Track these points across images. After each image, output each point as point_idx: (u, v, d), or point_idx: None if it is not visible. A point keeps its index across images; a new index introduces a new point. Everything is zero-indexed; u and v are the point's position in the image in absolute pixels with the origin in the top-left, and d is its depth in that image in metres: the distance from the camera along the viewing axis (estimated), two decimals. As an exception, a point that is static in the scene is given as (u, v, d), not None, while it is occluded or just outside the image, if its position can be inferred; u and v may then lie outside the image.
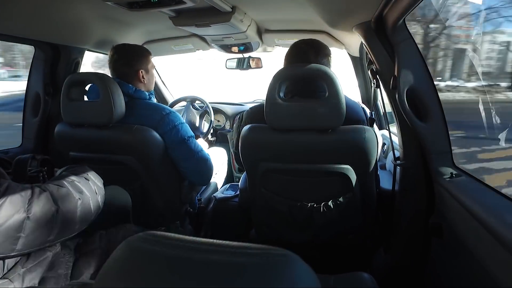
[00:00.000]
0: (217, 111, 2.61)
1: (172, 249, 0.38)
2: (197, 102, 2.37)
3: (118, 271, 0.38)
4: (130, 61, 1.47)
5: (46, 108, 1.77)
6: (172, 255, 0.37)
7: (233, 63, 2.50)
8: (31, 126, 1.79)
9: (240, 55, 2.41)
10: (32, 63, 1.75)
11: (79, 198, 0.98)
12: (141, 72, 1.49)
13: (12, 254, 0.85)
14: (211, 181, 1.83)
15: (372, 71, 1.27)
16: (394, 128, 1.34)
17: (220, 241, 0.38)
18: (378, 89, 1.28)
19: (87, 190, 1.03)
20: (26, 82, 1.79)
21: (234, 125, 1.42)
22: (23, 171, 1.08)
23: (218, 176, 2.10)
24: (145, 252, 0.38)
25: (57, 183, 0.98)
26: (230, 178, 2.55)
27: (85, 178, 1.08)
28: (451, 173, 1.06)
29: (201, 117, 2.33)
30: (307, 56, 1.25)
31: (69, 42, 1.71)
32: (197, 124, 2.25)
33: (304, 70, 1.13)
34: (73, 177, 1.05)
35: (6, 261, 0.87)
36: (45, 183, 0.99)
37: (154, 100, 1.53)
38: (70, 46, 1.74)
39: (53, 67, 1.76)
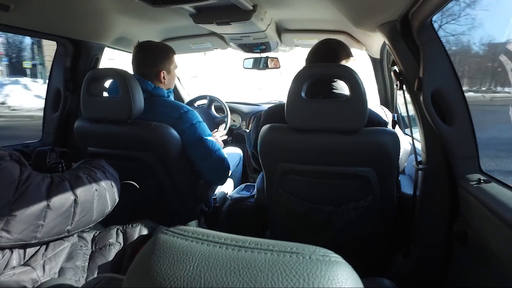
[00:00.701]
0: (232, 111, 2.61)
1: (208, 245, 0.36)
2: (213, 101, 2.37)
3: (149, 264, 0.36)
4: (153, 61, 1.47)
5: (66, 103, 1.80)
6: (208, 251, 0.35)
7: (250, 63, 2.49)
8: (51, 121, 1.82)
9: (257, 55, 2.40)
10: (54, 58, 1.78)
11: (96, 189, 1.01)
12: (163, 73, 1.49)
13: (33, 242, 0.88)
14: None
15: (395, 72, 1.23)
16: (416, 131, 1.30)
17: (257, 239, 0.36)
18: (401, 91, 1.24)
19: (104, 182, 1.06)
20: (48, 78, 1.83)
21: (252, 125, 1.40)
22: (42, 162, 1.10)
23: (233, 176, 2.10)
24: (179, 247, 0.36)
25: (75, 173, 1.00)
26: (245, 178, 2.54)
27: (102, 171, 1.10)
28: (479, 179, 1.02)
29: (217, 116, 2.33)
30: (336, 56, 1.23)
31: (90, 38, 1.73)
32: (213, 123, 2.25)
33: (330, 69, 1.11)
34: (90, 169, 1.06)
35: (27, 249, 0.89)
36: (63, 173, 1.01)
37: (173, 98, 1.53)
38: (91, 42, 1.76)
39: (74, 63, 1.78)
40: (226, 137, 2.29)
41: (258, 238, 0.36)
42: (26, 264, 0.88)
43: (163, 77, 1.49)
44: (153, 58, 1.48)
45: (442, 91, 1.08)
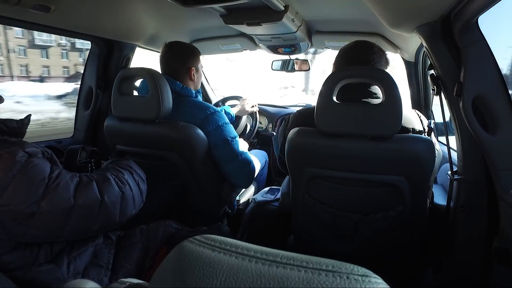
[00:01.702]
0: (259, 113, 2.59)
1: (236, 257, 0.33)
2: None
3: (174, 275, 0.34)
4: (183, 58, 1.49)
5: (97, 101, 1.85)
6: (237, 264, 0.33)
7: (279, 65, 2.47)
8: (83, 118, 1.88)
9: (286, 57, 2.38)
10: (88, 57, 1.84)
11: (123, 191, 1.01)
12: (193, 69, 1.50)
13: (60, 240, 0.90)
14: None
15: (432, 76, 1.17)
16: (451, 138, 1.23)
17: (290, 253, 0.34)
18: (438, 97, 1.17)
19: (131, 184, 1.06)
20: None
21: (280, 128, 1.37)
22: (73, 161, 1.14)
23: (258, 178, 2.07)
24: (206, 258, 0.34)
25: (103, 174, 1.01)
26: (269, 181, 2.51)
27: (129, 172, 1.10)
28: None
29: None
30: (368, 61, 1.18)
31: (122, 38, 1.77)
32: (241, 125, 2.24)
33: (363, 72, 1.06)
34: (118, 170, 1.07)
35: (54, 247, 0.91)
36: (91, 173, 1.02)
37: (201, 99, 1.53)
38: (123, 42, 1.80)
39: (106, 62, 1.84)
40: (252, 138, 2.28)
41: (291, 253, 0.34)
42: (52, 261, 0.89)
43: (193, 74, 1.51)
44: (183, 55, 1.49)
45: (485, 97, 1.00)
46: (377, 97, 1.12)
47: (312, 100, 3.17)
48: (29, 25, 1.41)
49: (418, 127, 1.13)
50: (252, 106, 2.19)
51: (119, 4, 1.43)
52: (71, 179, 0.90)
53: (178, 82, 1.45)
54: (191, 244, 0.36)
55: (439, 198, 1.36)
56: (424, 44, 1.16)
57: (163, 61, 1.50)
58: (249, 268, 0.32)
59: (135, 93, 1.51)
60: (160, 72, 1.48)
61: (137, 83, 1.52)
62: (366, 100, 1.13)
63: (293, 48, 2.14)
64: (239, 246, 0.35)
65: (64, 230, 0.87)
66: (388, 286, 0.31)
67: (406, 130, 1.10)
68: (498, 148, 1.01)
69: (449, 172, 1.20)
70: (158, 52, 2.11)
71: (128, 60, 1.92)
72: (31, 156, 0.85)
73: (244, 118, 2.23)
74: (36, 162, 0.85)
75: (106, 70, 1.84)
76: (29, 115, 0.96)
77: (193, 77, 1.51)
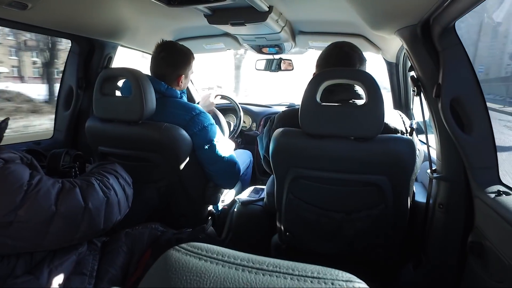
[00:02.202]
0: (243, 112, 2.59)
1: (223, 266, 0.34)
2: (225, 101, 2.35)
3: (161, 284, 0.33)
4: (176, 64, 1.46)
5: (78, 101, 1.81)
6: (223, 273, 0.33)
7: (262, 64, 2.47)
8: (63, 118, 1.83)
9: (270, 56, 2.38)
10: (68, 56, 1.80)
11: (108, 197, 0.98)
12: (182, 76, 1.49)
13: (40, 249, 0.86)
14: None
15: (413, 78, 1.20)
16: (431, 138, 1.26)
17: (276, 260, 0.34)
18: (418, 97, 1.21)
19: (116, 189, 1.03)
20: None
21: (265, 128, 1.38)
22: (56, 165, 1.09)
23: (243, 178, 2.07)
24: (192, 267, 0.34)
25: (87, 179, 0.98)
26: (254, 181, 2.52)
27: (115, 177, 1.07)
28: (498, 191, 0.98)
29: (227, 116, 2.31)
30: (350, 61, 1.20)
31: (104, 37, 1.74)
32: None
33: (346, 74, 1.08)
34: (103, 175, 1.04)
35: (34, 257, 0.87)
36: (75, 178, 0.99)
37: (185, 99, 1.52)
38: (104, 41, 1.76)
39: (87, 62, 1.79)
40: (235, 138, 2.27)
41: (277, 260, 0.34)
42: (30, 273, 0.85)
43: (181, 80, 1.49)
44: (176, 60, 1.46)
45: (461, 99, 1.04)
46: (362, 98, 1.14)
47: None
48: (5, 23, 1.36)
49: (401, 127, 1.15)
50: (216, 97, 2.12)
51: (99, 2, 1.40)
52: (52, 186, 0.87)
53: (163, 83, 1.42)
54: (177, 253, 0.36)
55: (420, 196, 1.39)
56: (405, 46, 1.19)
57: (155, 61, 1.47)
58: (236, 277, 0.32)
59: (118, 93, 1.49)
60: (149, 70, 1.47)
61: (120, 83, 1.49)
62: (352, 101, 1.15)
63: (277, 48, 2.15)
64: (225, 254, 0.35)
65: (44, 240, 0.83)
66: None
67: (389, 130, 1.12)
68: (473, 147, 1.04)
69: (429, 171, 1.23)
70: (142, 51, 2.09)
71: (110, 59, 1.88)
72: (8, 162, 0.81)
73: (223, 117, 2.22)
74: (13, 168, 0.81)
75: (87, 69, 1.80)
76: (7, 119, 0.91)
77: (180, 83, 1.49)
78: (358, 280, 0.32)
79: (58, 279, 0.88)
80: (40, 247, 0.85)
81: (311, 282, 0.31)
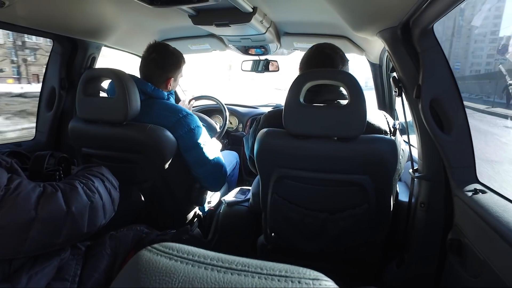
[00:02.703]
0: (229, 113, 2.59)
1: (192, 265, 0.34)
2: (211, 102, 2.35)
3: (130, 285, 0.33)
4: (166, 67, 1.45)
5: (61, 102, 1.78)
6: (192, 272, 0.33)
7: (249, 65, 2.48)
8: (45, 119, 1.79)
9: (256, 57, 2.39)
10: (50, 56, 1.76)
11: (92, 200, 0.95)
12: (171, 79, 1.48)
13: (19, 256, 0.82)
14: None
15: (394, 79, 1.22)
16: (413, 138, 1.29)
17: (246, 260, 0.34)
18: (400, 98, 1.23)
19: (101, 192, 1.01)
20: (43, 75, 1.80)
21: (251, 128, 1.38)
22: (40, 168, 1.05)
23: (229, 179, 2.07)
24: (162, 267, 0.34)
25: (70, 182, 0.95)
26: (240, 182, 2.52)
27: (101, 180, 1.05)
28: (475, 189, 1.01)
29: (213, 117, 2.31)
30: (333, 62, 1.22)
31: (87, 37, 1.71)
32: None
33: (329, 75, 1.09)
34: (88, 178, 1.02)
35: (14, 263, 0.84)
36: (59, 181, 0.97)
37: (173, 101, 1.51)
38: (88, 41, 1.74)
39: (70, 62, 1.77)
40: (222, 139, 2.27)
41: (247, 259, 0.34)
42: (7, 280, 0.81)
43: (170, 83, 1.48)
44: (166, 63, 1.45)
45: (440, 99, 1.07)
46: (347, 98, 1.16)
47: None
48: None
49: (385, 127, 1.17)
50: (190, 101, 2.11)
51: (82, 1, 1.38)
52: (33, 189, 0.84)
53: (149, 84, 1.41)
54: (148, 253, 0.36)
55: (403, 195, 1.42)
56: (387, 48, 1.21)
57: (145, 62, 1.46)
58: (204, 276, 0.32)
59: (103, 94, 1.47)
60: (139, 70, 1.46)
61: (105, 84, 1.47)
62: (336, 101, 1.17)
63: (263, 49, 2.15)
64: (196, 253, 0.35)
65: (24, 246, 0.80)
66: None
67: (373, 130, 1.14)
68: (452, 147, 1.07)
69: (410, 170, 1.26)
70: (127, 52, 2.07)
71: (94, 59, 1.85)
72: None
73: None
74: None
75: (70, 70, 1.77)
76: None
77: (169, 86, 1.49)
78: (326, 278, 0.33)
79: (38, 286, 0.85)
80: (19, 254, 0.82)
81: (278, 280, 0.32)
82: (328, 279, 0.33)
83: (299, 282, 0.31)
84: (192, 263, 0.34)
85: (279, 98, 3.25)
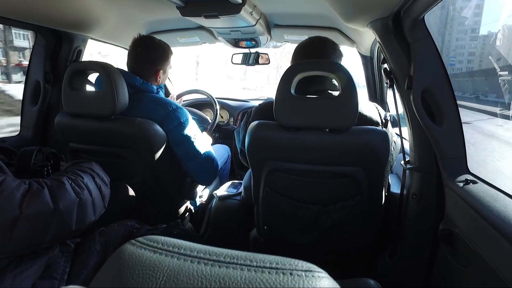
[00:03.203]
0: (220, 106, 2.57)
1: (178, 259, 0.32)
2: (201, 95, 2.32)
3: (113, 279, 0.32)
4: (153, 60, 1.43)
5: (46, 96, 1.73)
6: (178, 266, 0.32)
7: (239, 58, 2.46)
8: (30, 114, 1.74)
9: (246, 50, 2.37)
10: (33, 49, 1.71)
11: (80, 197, 0.93)
12: (160, 72, 1.45)
13: (3, 255, 0.80)
14: None
15: (385, 70, 1.22)
16: (405, 130, 1.29)
17: (235, 252, 0.33)
18: (391, 89, 1.23)
19: (91, 188, 0.98)
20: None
21: (242, 121, 1.37)
22: (26, 164, 1.02)
23: (221, 173, 2.06)
24: (146, 260, 0.32)
25: (58, 178, 0.93)
26: (232, 175, 2.50)
27: (91, 176, 1.03)
28: (466, 179, 1.01)
29: (204, 111, 2.29)
30: (324, 55, 1.21)
31: (72, 29, 1.66)
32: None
33: (320, 66, 1.08)
34: (77, 174, 0.99)
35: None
36: (47, 178, 0.94)
37: (162, 95, 1.48)
38: (73, 34, 1.69)
39: (54, 55, 1.72)
40: (213, 133, 2.25)
41: (236, 251, 0.33)
42: None
43: (159, 76, 1.46)
44: (154, 55, 1.43)
45: (432, 90, 1.06)
46: (338, 89, 1.15)
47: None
48: None
49: (376, 119, 1.17)
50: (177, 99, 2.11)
51: None
52: (17, 187, 0.81)
53: (138, 78, 1.38)
54: (132, 246, 0.34)
55: (395, 187, 1.43)
56: (378, 39, 1.20)
57: (132, 57, 1.43)
58: (190, 269, 0.31)
59: (90, 88, 1.43)
60: (126, 65, 1.43)
61: (92, 78, 1.43)
62: (329, 92, 1.16)
63: (253, 41, 2.13)
64: (182, 246, 0.34)
65: (8, 245, 0.78)
66: (331, 279, 0.31)
67: (365, 122, 1.13)
68: (443, 138, 1.08)
69: (402, 162, 1.26)
70: (115, 45, 2.03)
71: (80, 52, 1.80)
72: None
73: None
74: None
75: (54, 63, 1.72)
76: None
77: (158, 79, 1.46)
78: (319, 269, 0.32)
79: (24, 284, 0.82)
80: (5, 253, 0.79)
81: (269, 273, 0.30)
82: (321, 270, 0.31)
83: (290, 274, 0.30)
84: (177, 256, 0.32)
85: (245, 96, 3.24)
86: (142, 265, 0.32)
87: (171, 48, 1.53)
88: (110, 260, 0.34)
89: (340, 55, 1.26)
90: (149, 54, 1.42)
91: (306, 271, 0.31)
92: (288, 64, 1.17)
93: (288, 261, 0.32)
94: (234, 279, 0.30)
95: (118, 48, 2.06)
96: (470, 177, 1.03)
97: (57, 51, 1.70)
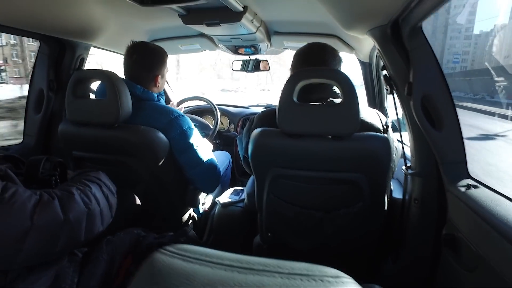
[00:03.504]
0: (221, 113, 2.58)
1: (212, 268, 0.33)
2: (202, 102, 2.34)
3: None
4: (150, 66, 1.42)
5: (49, 104, 1.74)
6: (212, 274, 0.32)
7: (239, 65, 2.48)
8: (33, 122, 1.75)
9: (246, 57, 2.39)
10: (37, 57, 1.72)
11: (89, 208, 0.93)
12: (159, 77, 1.45)
13: (14, 267, 0.79)
14: None
15: (385, 77, 1.24)
16: (405, 135, 1.31)
17: (263, 259, 0.34)
18: (391, 96, 1.24)
19: (99, 198, 0.98)
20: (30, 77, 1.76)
21: (244, 128, 1.38)
22: (35, 173, 1.01)
23: (222, 180, 2.07)
24: (180, 270, 0.33)
25: (67, 189, 0.93)
26: (233, 182, 2.51)
27: (98, 185, 1.02)
28: (468, 184, 1.02)
29: (205, 117, 2.30)
30: (325, 61, 1.22)
31: (75, 38, 1.68)
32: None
33: (322, 73, 1.09)
34: (85, 184, 0.99)
35: (9, 274, 0.80)
36: (55, 188, 0.94)
37: (163, 102, 1.49)
38: (76, 42, 1.70)
39: (58, 63, 1.73)
40: (214, 139, 2.26)
41: (265, 259, 0.34)
42: None
43: (158, 81, 1.45)
44: (150, 61, 1.42)
45: (431, 96, 1.08)
46: (339, 97, 1.17)
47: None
48: None
49: (377, 125, 1.18)
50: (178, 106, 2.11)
51: (68, 0, 1.35)
52: (29, 198, 0.81)
53: (138, 86, 1.38)
54: (162, 255, 0.35)
55: (397, 193, 1.43)
56: (377, 46, 1.22)
57: (128, 65, 1.42)
58: (225, 278, 0.32)
59: (93, 96, 1.44)
60: (123, 73, 1.43)
61: (95, 85, 1.45)
62: (330, 99, 1.17)
63: (253, 48, 2.15)
64: (212, 255, 0.34)
65: (18, 257, 0.77)
66: (358, 285, 0.32)
67: (367, 128, 1.15)
68: (444, 143, 1.09)
69: (404, 167, 1.27)
70: (116, 53, 2.04)
71: (83, 60, 1.82)
72: None
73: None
74: None
75: (58, 71, 1.74)
76: None
77: (158, 84, 1.46)
78: (345, 275, 0.33)
79: None
80: (15, 265, 0.79)
81: (301, 279, 0.31)
82: (348, 276, 0.33)
83: (321, 280, 0.31)
84: (210, 265, 0.33)
85: (225, 100, 3.26)
86: (176, 274, 0.33)
87: (173, 55, 1.54)
88: (143, 269, 0.34)
89: (339, 61, 1.27)
90: (145, 60, 1.41)
91: (335, 277, 0.32)
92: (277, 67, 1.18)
93: (317, 267, 0.33)
94: (267, 286, 0.31)
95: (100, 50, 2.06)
96: (471, 182, 1.04)
97: (60, 59, 1.72)
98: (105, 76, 1.26)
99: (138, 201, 1.38)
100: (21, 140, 1.78)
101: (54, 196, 0.87)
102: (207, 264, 0.34)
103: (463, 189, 1.02)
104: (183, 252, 0.35)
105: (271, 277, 0.32)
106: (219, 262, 0.34)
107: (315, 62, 1.23)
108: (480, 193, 0.96)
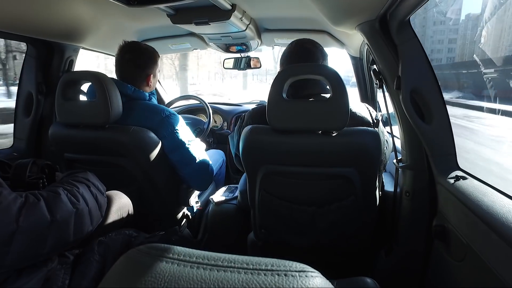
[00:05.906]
0: (213, 111, 2.58)
1: (178, 265, 0.34)
2: (194, 101, 2.34)
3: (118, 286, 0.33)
4: (142, 65, 1.42)
5: (39, 107, 1.73)
6: (178, 272, 0.33)
7: (231, 63, 2.48)
8: (23, 126, 1.74)
9: (237, 55, 2.39)
10: (24, 60, 1.71)
11: (77, 208, 0.92)
12: (151, 76, 1.45)
13: (1, 270, 0.79)
14: None
15: (375, 71, 1.24)
16: (396, 129, 1.31)
17: (232, 256, 0.34)
18: (381, 90, 1.25)
19: (87, 198, 0.98)
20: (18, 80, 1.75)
21: (236, 126, 1.38)
22: (22, 177, 1.01)
23: (216, 178, 2.07)
24: (148, 267, 0.33)
25: (54, 190, 0.92)
26: (227, 180, 2.51)
27: (86, 185, 1.02)
28: (456, 176, 1.03)
29: (197, 116, 2.30)
30: (312, 57, 1.22)
31: (63, 40, 1.66)
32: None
33: (310, 69, 1.10)
34: (72, 184, 0.99)
35: None
36: (42, 189, 0.94)
37: (155, 101, 1.49)
38: (64, 44, 1.69)
39: (46, 65, 1.72)
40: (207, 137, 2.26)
41: (234, 255, 0.35)
42: None
43: (150, 80, 1.46)
44: (142, 61, 1.43)
45: (420, 90, 1.09)
46: (329, 92, 1.17)
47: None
48: None
49: (368, 119, 1.19)
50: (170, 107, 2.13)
51: (55, 2, 1.34)
52: (14, 201, 0.80)
53: (129, 86, 1.38)
54: (133, 255, 0.36)
55: (389, 186, 1.44)
56: (366, 41, 1.22)
57: (120, 65, 1.42)
58: (190, 274, 0.32)
59: (83, 98, 1.44)
60: (115, 73, 1.43)
61: (84, 87, 1.44)
62: (321, 95, 1.18)
63: (244, 46, 2.15)
64: (181, 253, 0.35)
65: (6, 259, 0.77)
66: (324, 278, 0.33)
67: (357, 122, 1.15)
68: (433, 136, 1.10)
69: (394, 161, 1.28)
70: (106, 53, 2.03)
71: (72, 62, 1.80)
72: None
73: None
74: None
75: (47, 74, 1.72)
76: None
77: (150, 83, 1.46)
78: (312, 269, 0.33)
79: None
80: (3, 267, 0.78)
81: (265, 275, 0.32)
82: (314, 270, 0.33)
83: (285, 275, 0.32)
84: (177, 262, 0.34)
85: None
86: (144, 272, 0.33)
87: (163, 55, 1.54)
88: (113, 269, 0.35)
89: (325, 55, 1.27)
90: (137, 60, 1.42)
91: (300, 271, 0.32)
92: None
93: (283, 262, 0.34)
94: (232, 282, 0.32)
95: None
96: (460, 173, 1.05)
97: (49, 61, 1.70)
98: (94, 77, 1.26)
99: (131, 202, 1.38)
100: (11, 144, 1.76)
101: (40, 198, 0.86)
102: (174, 262, 0.34)
103: (452, 181, 1.03)
104: (153, 251, 0.36)
105: (236, 273, 0.32)
106: (186, 259, 0.34)
107: (303, 58, 1.24)
108: (469, 184, 0.98)
